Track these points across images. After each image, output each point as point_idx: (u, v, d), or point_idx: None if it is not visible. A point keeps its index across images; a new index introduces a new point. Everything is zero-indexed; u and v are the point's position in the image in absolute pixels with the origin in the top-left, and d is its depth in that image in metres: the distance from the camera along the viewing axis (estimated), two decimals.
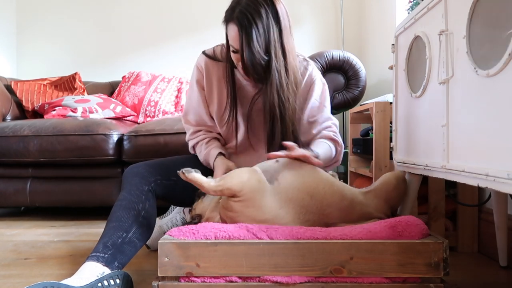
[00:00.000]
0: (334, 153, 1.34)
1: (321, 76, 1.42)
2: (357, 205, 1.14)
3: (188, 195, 1.25)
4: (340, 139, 1.36)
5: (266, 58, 1.19)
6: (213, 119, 1.41)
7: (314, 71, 1.39)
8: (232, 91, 1.32)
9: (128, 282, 1.04)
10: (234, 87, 1.33)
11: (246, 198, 1.04)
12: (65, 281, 0.96)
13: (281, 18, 1.19)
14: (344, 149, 2.88)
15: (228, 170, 1.25)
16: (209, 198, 1.18)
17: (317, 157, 1.18)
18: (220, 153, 1.34)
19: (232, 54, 1.24)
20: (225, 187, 1.04)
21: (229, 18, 1.19)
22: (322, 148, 1.28)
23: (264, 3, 1.16)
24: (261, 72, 1.21)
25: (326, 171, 1.26)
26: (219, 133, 1.42)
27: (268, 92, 1.23)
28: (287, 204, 1.07)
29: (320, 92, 1.38)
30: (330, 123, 1.37)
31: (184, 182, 1.08)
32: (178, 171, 1.05)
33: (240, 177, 1.05)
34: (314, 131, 1.36)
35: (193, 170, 1.06)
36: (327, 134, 1.35)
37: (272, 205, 1.06)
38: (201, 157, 1.38)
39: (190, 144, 1.43)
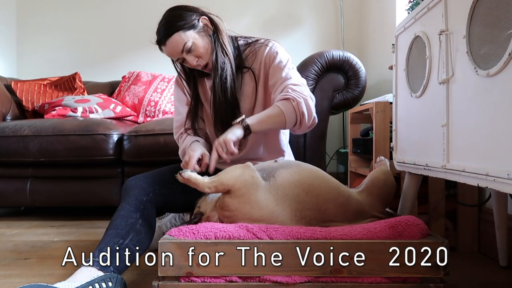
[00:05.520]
0: (291, 110, 1.26)
1: (279, 49, 1.40)
2: (354, 202, 1.14)
3: (188, 201, 1.28)
4: (296, 95, 1.27)
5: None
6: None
7: (266, 48, 1.40)
8: (194, 88, 1.47)
9: (122, 285, 1.02)
10: (196, 86, 1.47)
11: (240, 193, 1.05)
12: (57, 285, 0.96)
13: (197, 23, 1.33)
14: (344, 149, 2.90)
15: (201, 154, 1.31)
16: (211, 196, 1.18)
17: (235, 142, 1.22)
18: (196, 141, 1.39)
19: (183, 64, 1.39)
20: (219, 182, 1.06)
21: (160, 40, 1.33)
22: (256, 117, 1.27)
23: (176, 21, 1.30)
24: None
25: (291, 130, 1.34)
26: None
27: (216, 80, 1.35)
28: (284, 200, 1.07)
29: (273, 57, 1.37)
30: (287, 83, 1.31)
31: (182, 188, 1.10)
32: (176, 175, 1.10)
33: (233, 172, 1.08)
34: (273, 96, 1.36)
35: (188, 170, 1.11)
36: (279, 97, 1.30)
37: (268, 201, 1.06)
38: (180, 150, 1.45)
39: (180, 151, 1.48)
